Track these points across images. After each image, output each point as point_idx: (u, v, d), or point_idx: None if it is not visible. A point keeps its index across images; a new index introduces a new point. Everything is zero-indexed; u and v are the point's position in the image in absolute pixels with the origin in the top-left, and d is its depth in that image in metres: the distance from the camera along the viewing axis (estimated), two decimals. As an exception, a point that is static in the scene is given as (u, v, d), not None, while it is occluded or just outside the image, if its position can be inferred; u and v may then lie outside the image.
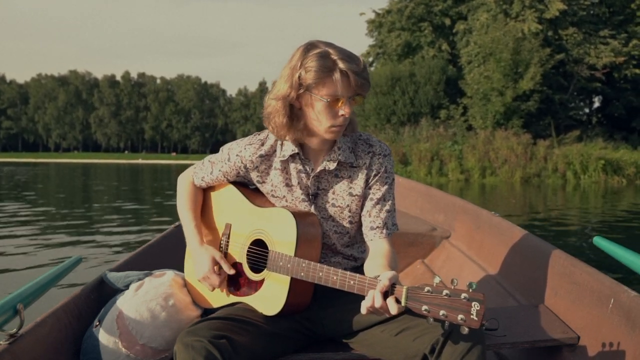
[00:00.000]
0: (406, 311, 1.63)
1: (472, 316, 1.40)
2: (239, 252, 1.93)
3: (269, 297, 1.80)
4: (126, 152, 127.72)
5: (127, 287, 2.12)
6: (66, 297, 2.01)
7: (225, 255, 1.97)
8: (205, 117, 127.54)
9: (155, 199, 15.60)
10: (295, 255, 1.75)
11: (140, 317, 1.95)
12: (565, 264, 2.20)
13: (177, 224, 3.03)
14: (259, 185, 1.96)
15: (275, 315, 1.79)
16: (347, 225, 1.90)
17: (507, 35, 31.34)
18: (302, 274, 1.71)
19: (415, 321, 1.66)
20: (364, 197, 1.90)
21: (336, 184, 1.89)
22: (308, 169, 1.88)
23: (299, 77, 1.73)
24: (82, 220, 9.88)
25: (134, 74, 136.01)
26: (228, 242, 1.98)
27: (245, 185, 2.05)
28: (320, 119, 1.76)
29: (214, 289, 1.94)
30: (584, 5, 35.21)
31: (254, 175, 1.93)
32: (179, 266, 2.21)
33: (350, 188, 1.89)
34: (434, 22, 39.21)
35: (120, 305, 2.00)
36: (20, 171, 36.14)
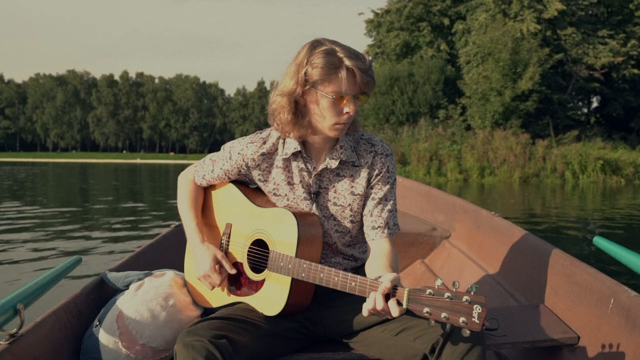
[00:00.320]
0: (406, 312, 1.64)
1: (473, 319, 1.40)
2: (239, 251, 1.93)
3: (270, 297, 1.80)
4: (124, 151, 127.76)
5: (127, 287, 2.12)
6: (66, 297, 2.01)
7: (226, 254, 1.97)
8: (204, 117, 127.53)
9: (155, 198, 15.58)
10: (296, 255, 1.74)
11: (140, 317, 1.95)
12: (565, 264, 2.20)
13: (177, 224, 3.02)
14: (260, 184, 1.95)
15: (275, 316, 1.79)
16: (349, 224, 1.90)
17: (506, 35, 31.35)
18: (303, 274, 1.71)
19: (415, 321, 1.66)
20: (365, 197, 1.89)
21: (338, 183, 1.89)
22: (310, 168, 1.88)
23: (305, 73, 1.73)
24: (81, 220, 9.86)
25: (132, 74, 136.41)
26: (229, 241, 1.97)
27: (245, 185, 2.05)
28: (325, 116, 1.76)
29: (213, 287, 1.94)
30: (583, 6, 35.24)
31: (255, 174, 1.93)
32: (179, 266, 2.21)
33: (352, 187, 1.89)
34: (432, 22, 39.22)
35: (120, 305, 1.99)
36: (19, 171, 36.10)
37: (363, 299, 1.56)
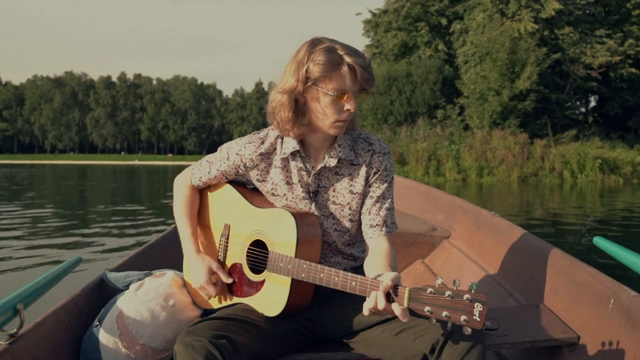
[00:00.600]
0: (408, 311, 1.64)
1: (474, 317, 1.40)
2: (238, 252, 1.93)
3: (270, 298, 1.80)
4: (122, 153, 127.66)
5: (127, 287, 2.12)
6: (66, 297, 2.01)
7: (225, 255, 1.97)
8: (202, 118, 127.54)
9: (154, 199, 15.59)
10: (296, 255, 1.74)
11: (140, 317, 1.95)
12: (565, 264, 2.20)
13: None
14: (258, 184, 1.95)
15: (276, 316, 1.79)
16: (347, 223, 1.90)
17: (504, 35, 31.38)
18: (303, 275, 1.71)
19: (415, 321, 1.66)
20: (364, 195, 1.90)
21: (337, 182, 1.89)
22: (309, 167, 1.88)
23: (306, 70, 1.73)
24: (81, 220, 9.86)
25: (130, 75, 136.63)
26: (227, 242, 1.97)
27: (243, 186, 2.05)
28: (326, 113, 1.76)
29: (209, 298, 1.95)
30: (580, 5, 35.28)
31: (253, 174, 1.93)
32: (179, 266, 2.21)
33: (351, 186, 1.89)
34: (430, 22, 39.24)
35: (120, 305, 1.99)
36: (17, 173, 36.06)
37: (363, 299, 1.56)
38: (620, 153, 28.49)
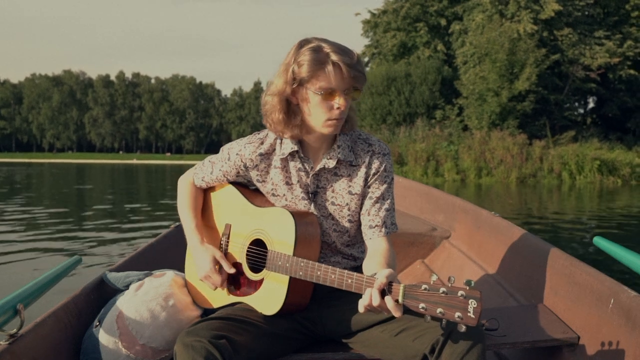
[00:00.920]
0: (405, 311, 1.64)
1: (469, 314, 1.40)
2: (238, 252, 1.93)
3: (268, 296, 1.80)
4: (120, 152, 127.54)
5: (127, 287, 2.11)
6: (66, 297, 2.01)
7: (225, 255, 1.97)
8: (200, 117, 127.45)
9: (154, 199, 15.58)
10: (294, 254, 1.75)
11: (140, 317, 1.95)
12: (565, 264, 2.20)
13: (177, 224, 3.03)
14: (259, 185, 1.95)
15: (274, 315, 1.79)
16: (347, 224, 1.90)
17: (503, 36, 31.37)
18: (301, 273, 1.71)
19: (415, 321, 1.66)
20: (363, 196, 1.90)
21: (335, 182, 1.89)
22: (307, 167, 1.88)
23: (293, 71, 1.74)
24: (81, 220, 9.86)
25: (128, 74, 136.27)
26: (228, 242, 1.98)
27: (244, 186, 2.05)
28: (316, 113, 1.76)
29: (216, 288, 1.94)
30: (579, 6, 35.28)
31: (253, 174, 1.93)
32: (179, 266, 2.21)
33: (350, 186, 1.89)
34: (429, 22, 39.22)
35: (120, 305, 1.99)
36: (16, 171, 36.00)
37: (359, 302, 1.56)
38: (618, 154, 28.51)
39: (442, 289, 1.44)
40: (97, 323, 1.97)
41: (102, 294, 2.17)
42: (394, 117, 35.16)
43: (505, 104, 30.87)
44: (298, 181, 1.89)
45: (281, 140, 1.90)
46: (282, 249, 1.78)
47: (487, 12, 34.66)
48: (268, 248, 1.83)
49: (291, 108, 1.80)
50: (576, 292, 2.08)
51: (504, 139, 28.56)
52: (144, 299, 1.99)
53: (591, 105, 40.31)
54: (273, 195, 1.92)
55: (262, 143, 1.92)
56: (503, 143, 28.26)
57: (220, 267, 1.92)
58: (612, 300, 1.87)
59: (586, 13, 36.58)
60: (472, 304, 1.40)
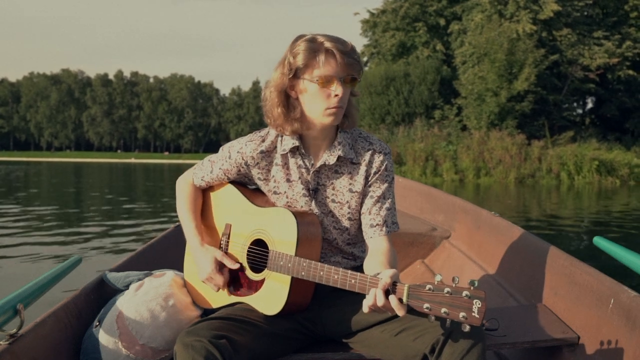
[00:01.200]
0: (407, 308, 1.64)
1: (473, 314, 1.41)
2: (239, 252, 1.93)
3: (270, 296, 1.80)
4: (119, 151, 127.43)
5: (127, 287, 2.11)
6: (66, 297, 2.00)
7: (226, 255, 1.97)
8: (199, 117, 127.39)
9: (154, 198, 15.58)
10: (296, 254, 1.74)
11: (140, 317, 1.95)
12: (565, 264, 2.20)
13: (177, 224, 3.02)
14: (260, 183, 1.95)
15: (275, 315, 1.79)
16: (347, 222, 1.90)
17: (502, 36, 31.41)
18: (303, 273, 1.71)
19: (415, 321, 1.66)
20: (363, 195, 1.90)
21: (336, 180, 1.90)
22: (308, 164, 1.89)
23: (289, 62, 1.77)
24: (81, 220, 9.85)
25: (126, 73, 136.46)
26: (228, 242, 1.97)
27: (244, 186, 2.05)
28: (315, 102, 1.78)
29: (218, 289, 1.93)
30: (578, 7, 35.32)
31: (255, 172, 1.93)
32: (179, 266, 2.21)
33: (350, 184, 1.89)
34: (428, 22, 39.23)
35: (120, 305, 1.99)
36: (13, 170, 35.97)
37: (363, 298, 1.56)
38: (617, 155, 28.55)
39: (447, 289, 1.44)
40: (97, 323, 1.97)
41: (102, 294, 2.17)
42: (393, 117, 35.17)
43: (504, 104, 30.90)
44: (299, 178, 1.89)
45: (282, 137, 1.90)
46: (283, 249, 1.78)
47: (486, 12, 34.69)
48: (269, 248, 1.82)
49: (290, 102, 1.82)
50: (576, 292, 2.08)
51: (502, 139, 28.59)
52: (144, 299, 1.99)
53: (590, 105, 40.39)
54: (275, 193, 1.92)
55: (263, 141, 1.92)
56: (502, 143, 28.29)
57: (222, 268, 1.92)
58: (612, 300, 1.87)
59: (585, 13, 36.63)
60: (477, 304, 1.40)
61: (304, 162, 1.89)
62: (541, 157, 27.92)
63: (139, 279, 2.11)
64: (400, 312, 1.49)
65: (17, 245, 6.86)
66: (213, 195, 2.08)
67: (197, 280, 2.00)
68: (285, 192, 1.90)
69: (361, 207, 1.91)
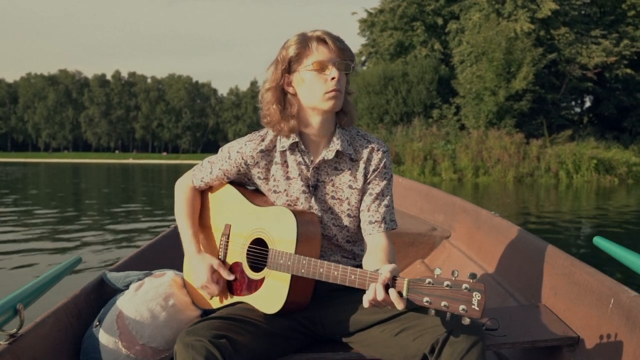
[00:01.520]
0: (406, 311, 1.64)
1: (473, 306, 1.41)
2: (239, 251, 1.93)
3: (270, 295, 1.80)
4: (116, 151, 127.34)
5: (127, 287, 2.11)
6: (66, 297, 2.00)
7: (225, 255, 1.97)
8: (197, 117, 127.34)
9: (153, 198, 15.57)
10: (296, 253, 1.75)
11: (140, 317, 1.95)
12: (565, 264, 2.20)
13: (176, 224, 3.01)
14: (260, 182, 1.96)
15: (275, 314, 1.79)
16: (347, 218, 1.91)
17: (500, 35, 31.41)
18: (303, 270, 1.71)
19: (415, 321, 1.67)
20: (363, 192, 1.91)
21: (336, 177, 1.91)
22: (307, 161, 1.90)
23: (282, 57, 1.83)
24: (81, 220, 9.84)
25: (124, 73, 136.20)
26: (228, 242, 1.97)
27: (244, 186, 2.06)
28: (313, 89, 1.81)
29: (212, 297, 1.95)
30: (576, 5, 35.34)
31: (254, 172, 1.94)
32: (179, 266, 2.21)
33: (350, 181, 1.91)
34: (426, 21, 39.22)
35: (120, 305, 1.99)
36: (11, 171, 35.93)
37: (363, 297, 1.56)
38: (615, 153, 28.59)
39: (447, 283, 1.44)
40: (97, 323, 1.97)
41: (102, 294, 2.17)
42: (391, 117, 35.17)
43: (502, 103, 30.91)
44: (299, 174, 1.90)
45: (281, 137, 1.91)
46: (283, 247, 1.78)
47: (484, 11, 34.70)
48: (269, 247, 1.82)
49: (286, 99, 1.86)
50: (576, 292, 2.08)
51: (501, 138, 28.62)
52: (144, 299, 1.99)
53: (588, 104, 40.40)
54: (274, 192, 1.93)
55: (262, 140, 1.93)
56: (500, 142, 28.32)
57: (218, 275, 1.92)
58: (612, 300, 1.87)
59: (583, 12, 36.65)
60: (477, 296, 1.41)
61: (303, 158, 1.90)
62: (539, 156, 27.96)
63: (139, 279, 2.11)
64: (400, 305, 1.50)
65: (17, 245, 6.85)
66: (212, 196, 2.08)
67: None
68: (285, 190, 1.91)
69: (360, 204, 1.92)
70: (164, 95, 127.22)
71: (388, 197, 1.92)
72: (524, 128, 31.02)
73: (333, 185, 1.91)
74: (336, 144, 1.88)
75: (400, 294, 1.50)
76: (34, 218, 9.86)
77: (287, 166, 1.91)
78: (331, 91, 1.80)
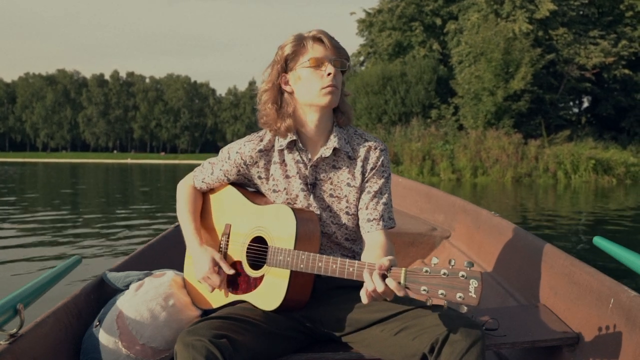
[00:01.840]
0: (405, 310, 1.63)
1: (470, 294, 1.41)
2: (238, 250, 1.93)
3: (269, 291, 1.81)
4: (115, 151, 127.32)
5: (127, 287, 2.11)
6: (66, 297, 2.00)
7: (225, 255, 1.97)
8: (195, 117, 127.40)
9: (153, 198, 15.55)
10: (295, 249, 1.75)
11: (140, 317, 1.95)
12: (565, 264, 2.20)
13: (177, 224, 3.01)
14: (259, 182, 1.97)
15: (274, 311, 1.79)
16: (345, 216, 1.92)
17: (498, 35, 31.44)
18: (302, 265, 1.72)
19: (415, 320, 1.67)
20: (361, 190, 1.93)
21: (334, 175, 1.92)
22: (305, 159, 1.91)
23: (279, 56, 1.87)
24: (81, 220, 9.81)
25: (122, 73, 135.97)
26: (228, 242, 1.98)
27: (244, 187, 2.07)
28: (310, 86, 1.84)
29: (213, 289, 1.95)
30: (574, 6, 35.39)
31: (254, 172, 1.95)
32: (179, 266, 2.21)
33: (348, 179, 1.92)
34: (424, 21, 39.24)
35: (120, 305, 1.99)
36: (9, 171, 35.89)
37: (360, 293, 1.57)
38: (613, 154, 28.64)
39: (443, 271, 1.45)
40: (97, 323, 1.96)
41: (102, 294, 2.17)
42: (390, 117, 35.19)
43: (500, 104, 30.94)
44: (297, 172, 1.91)
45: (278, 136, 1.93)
46: (282, 244, 1.79)
47: (482, 12, 34.74)
48: (268, 244, 1.83)
49: (283, 98, 1.89)
50: (576, 292, 2.08)
51: (499, 138, 28.65)
52: (144, 299, 1.98)
53: (586, 104, 40.45)
54: (274, 191, 1.94)
55: (261, 140, 1.95)
56: (498, 142, 28.35)
57: (220, 268, 1.93)
58: (612, 300, 1.87)
59: (581, 13, 36.68)
60: (473, 283, 1.41)
61: (301, 157, 1.91)
62: (538, 156, 27.99)
63: (139, 279, 2.11)
64: (400, 292, 1.50)
65: (17, 245, 6.84)
66: (213, 197, 2.10)
67: (197, 282, 2.01)
68: (285, 188, 1.92)
69: (358, 202, 1.93)
70: (162, 95, 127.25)
71: (386, 195, 1.93)
72: (522, 128, 31.05)
73: (331, 183, 1.92)
74: (333, 142, 1.90)
75: (398, 283, 1.50)
76: (34, 218, 9.85)
77: (286, 165, 1.92)
78: (327, 86, 1.83)
